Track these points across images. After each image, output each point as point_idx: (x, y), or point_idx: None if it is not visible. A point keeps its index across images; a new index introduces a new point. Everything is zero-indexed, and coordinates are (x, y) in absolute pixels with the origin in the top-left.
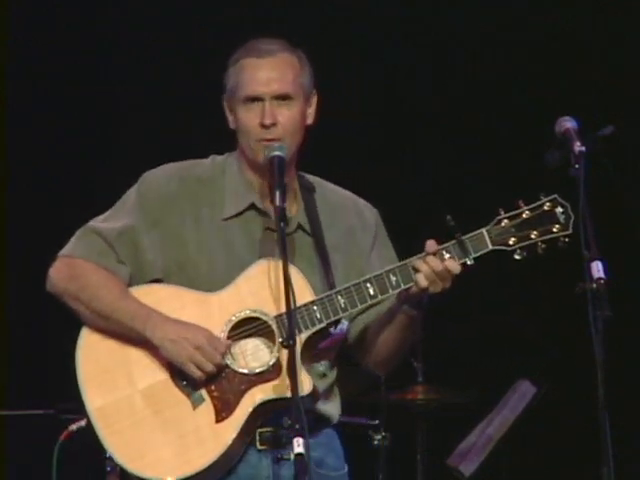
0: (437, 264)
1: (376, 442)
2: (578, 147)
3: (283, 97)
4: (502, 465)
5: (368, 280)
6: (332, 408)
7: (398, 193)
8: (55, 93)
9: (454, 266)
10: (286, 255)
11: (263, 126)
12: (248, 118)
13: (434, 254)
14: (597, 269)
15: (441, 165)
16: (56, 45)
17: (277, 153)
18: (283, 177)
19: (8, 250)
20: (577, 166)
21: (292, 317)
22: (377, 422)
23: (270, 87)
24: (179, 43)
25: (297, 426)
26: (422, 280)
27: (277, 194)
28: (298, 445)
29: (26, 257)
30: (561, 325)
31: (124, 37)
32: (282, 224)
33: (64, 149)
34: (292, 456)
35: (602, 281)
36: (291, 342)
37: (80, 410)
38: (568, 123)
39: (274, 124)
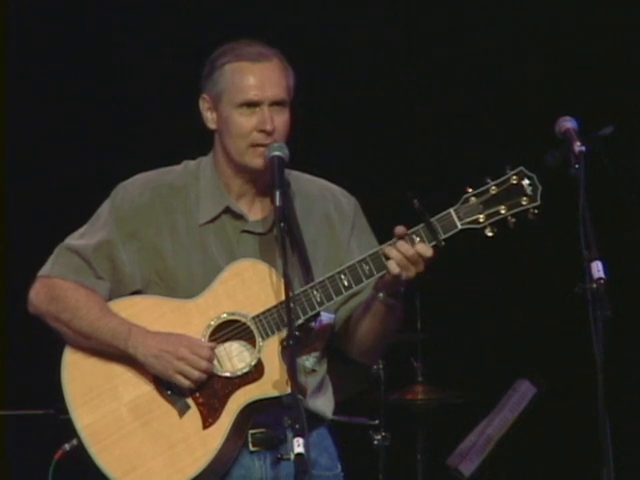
0: (407, 249)
1: (376, 442)
2: (578, 147)
3: (278, 103)
4: (502, 465)
5: (342, 271)
6: (324, 404)
7: (399, 192)
8: (55, 93)
9: (424, 249)
10: (286, 256)
11: (263, 132)
12: (242, 122)
13: (403, 239)
14: (597, 269)
15: (441, 165)
16: (56, 45)
17: (277, 153)
18: (283, 177)
19: (8, 250)
20: (577, 166)
21: (291, 316)
22: (377, 422)
23: (269, 93)
24: (179, 43)
25: (297, 426)
26: (394, 266)
27: (277, 194)
28: (298, 445)
29: (26, 257)
30: (561, 325)
31: (124, 37)
32: (282, 224)
33: (64, 149)
34: (292, 456)
35: (602, 281)
36: (291, 342)
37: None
38: (568, 123)
39: (274, 130)
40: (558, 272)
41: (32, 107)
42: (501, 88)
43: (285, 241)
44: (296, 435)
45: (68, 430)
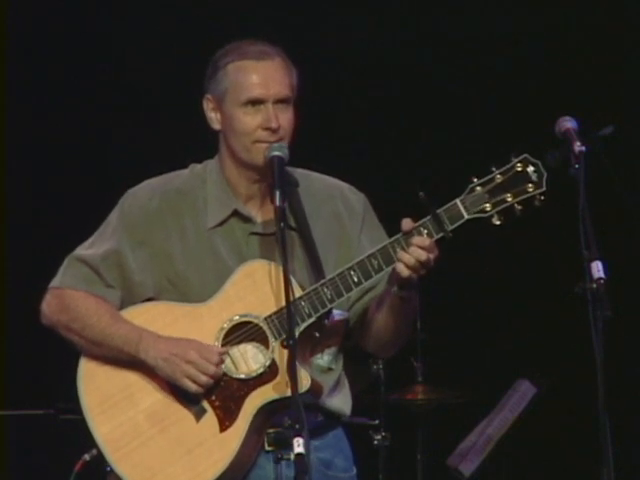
0: (420, 254)
1: (376, 442)
2: (578, 147)
3: (282, 100)
4: (502, 465)
5: (351, 267)
6: (341, 402)
7: (403, 185)
8: (55, 93)
9: (433, 252)
10: (286, 256)
11: (268, 129)
12: (247, 120)
13: (410, 232)
14: (597, 269)
15: (440, 165)
16: (56, 45)
17: (277, 153)
18: (283, 177)
19: (8, 250)
20: (577, 166)
21: (291, 316)
22: (377, 422)
23: (273, 90)
24: (183, 44)
25: (297, 426)
26: (403, 269)
27: (277, 194)
28: (298, 445)
29: (26, 256)
30: (561, 325)
31: (125, 36)
32: (282, 224)
33: (68, 156)
34: (292, 456)
35: (602, 281)
36: (291, 342)
37: (79, 412)
38: (568, 123)
39: (279, 127)
40: (558, 272)
41: (33, 111)
42: (501, 88)
43: (285, 240)
44: (296, 435)
45: (69, 430)
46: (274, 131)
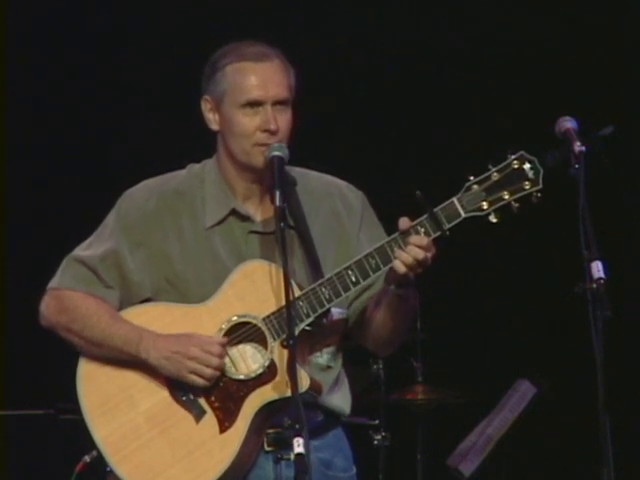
0: (417, 252)
1: (376, 442)
2: (578, 147)
3: (281, 102)
4: (502, 465)
5: (349, 267)
6: (341, 400)
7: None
8: (55, 93)
9: (431, 251)
10: (286, 257)
11: (267, 131)
12: (246, 122)
13: (407, 231)
14: (597, 269)
15: (440, 165)
16: (56, 45)
17: (277, 153)
18: (283, 177)
19: (8, 250)
20: (577, 166)
21: (291, 316)
22: (377, 422)
23: (272, 92)
24: (180, 42)
25: (297, 426)
26: (400, 266)
27: (277, 194)
28: (298, 445)
29: (26, 256)
30: (561, 325)
31: (125, 36)
32: (282, 224)
33: (67, 157)
34: (292, 456)
35: (602, 281)
36: (291, 342)
37: (79, 411)
38: (568, 123)
39: (277, 129)
40: (558, 272)
41: (33, 111)
42: (501, 88)
43: (285, 241)
44: (296, 435)
45: (69, 430)
46: (273, 133)
